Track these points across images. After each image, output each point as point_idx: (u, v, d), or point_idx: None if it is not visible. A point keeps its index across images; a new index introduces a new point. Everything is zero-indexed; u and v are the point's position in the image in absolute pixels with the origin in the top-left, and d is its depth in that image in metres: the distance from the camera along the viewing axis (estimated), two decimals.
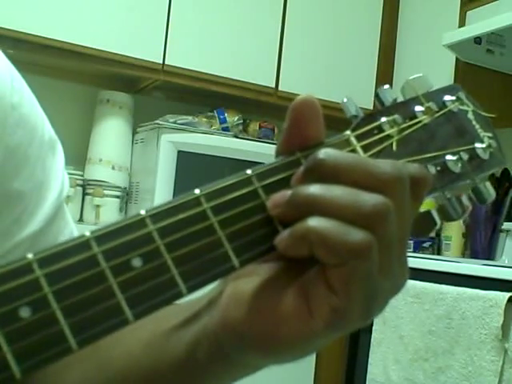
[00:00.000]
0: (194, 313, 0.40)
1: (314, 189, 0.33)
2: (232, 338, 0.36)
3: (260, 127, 2.47)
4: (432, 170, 0.38)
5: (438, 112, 0.40)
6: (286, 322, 0.33)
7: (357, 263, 0.32)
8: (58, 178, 0.56)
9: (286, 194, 0.33)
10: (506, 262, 2.16)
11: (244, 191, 0.34)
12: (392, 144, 0.37)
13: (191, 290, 0.31)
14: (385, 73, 2.60)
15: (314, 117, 0.36)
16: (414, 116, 0.39)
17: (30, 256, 0.29)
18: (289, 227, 0.33)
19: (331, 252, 0.32)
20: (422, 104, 0.39)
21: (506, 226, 2.21)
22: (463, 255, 2.32)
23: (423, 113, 0.39)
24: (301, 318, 0.33)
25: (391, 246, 0.33)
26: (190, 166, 2.18)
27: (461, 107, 0.40)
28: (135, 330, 0.43)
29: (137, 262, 0.31)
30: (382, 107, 0.39)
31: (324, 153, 0.33)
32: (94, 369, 0.46)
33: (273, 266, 0.36)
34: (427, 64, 2.40)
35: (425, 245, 2.34)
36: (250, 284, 0.36)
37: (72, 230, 0.58)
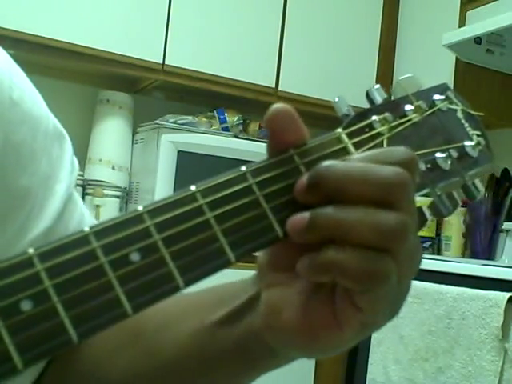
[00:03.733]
0: (236, 308, 0.41)
1: (332, 212, 0.33)
2: (277, 341, 0.38)
3: (260, 127, 2.47)
4: (422, 167, 0.38)
5: (427, 111, 0.41)
6: (319, 334, 0.36)
7: (380, 287, 0.33)
8: (66, 168, 0.55)
9: (305, 217, 0.34)
10: (506, 261, 2.16)
11: (239, 187, 0.35)
12: (382, 141, 0.38)
13: (188, 283, 0.32)
14: (385, 73, 2.60)
15: (289, 124, 0.36)
16: (404, 114, 0.40)
17: (30, 250, 0.30)
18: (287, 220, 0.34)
19: (355, 283, 0.33)
20: (411, 103, 0.40)
21: (506, 226, 2.21)
22: (463, 255, 2.32)
23: (413, 111, 0.40)
24: (332, 331, 0.35)
25: (411, 255, 0.35)
26: (189, 166, 2.18)
27: (450, 106, 0.41)
28: (181, 321, 0.46)
29: (135, 257, 0.31)
30: (372, 106, 0.40)
31: (325, 168, 0.34)
32: (142, 356, 0.47)
33: (299, 278, 0.37)
34: (427, 64, 2.40)
35: (425, 245, 2.34)
36: (283, 296, 0.37)
37: (82, 212, 0.57)
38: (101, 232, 0.31)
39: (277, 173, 0.36)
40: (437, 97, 0.41)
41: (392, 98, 0.40)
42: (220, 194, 0.34)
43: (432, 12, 2.45)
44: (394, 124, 0.39)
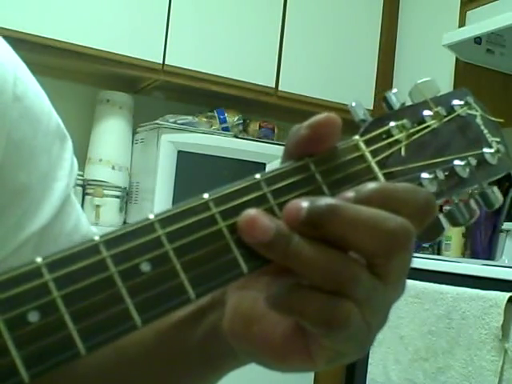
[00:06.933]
0: (198, 307, 0.41)
1: (308, 252, 0.32)
2: (241, 348, 0.37)
3: (260, 127, 2.47)
4: (440, 174, 0.37)
5: (446, 117, 0.39)
6: (288, 358, 0.35)
7: (341, 331, 0.33)
8: (66, 168, 0.55)
9: (291, 237, 0.32)
10: (506, 262, 2.16)
11: (253, 196, 0.33)
12: (400, 149, 0.37)
13: (200, 295, 0.31)
14: (385, 73, 2.60)
15: (334, 136, 0.35)
16: (422, 120, 0.38)
17: (38, 260, 0.29)
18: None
19: (314, 327, 0.33)
20: (430, 108, 0.39)
21: (506, 226, 2.20)
22: (463, 255, 2.32)
23: (432, 117, 0.39)
24: (302, 358, 0.35)
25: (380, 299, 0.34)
26: (189, 166, 2.18)
27: (469, 112, 0.40)
28: None
29: (146, 267, 0.30)
30: (390, 111, 0.39)
31: (330, 211, 0.32)
32: (108, 351, 0.46)
33: (271, 285, 0.35)
34: (427, 64, 2.40)
35: (425, 245, 2.34)
36: (251, 303, 0.36)
37: (79, 214, 0.56)
38: (111, 241, 0.30)
39: (292, 181, 0.34)
40: (456, 102, 0.40)
41: (408, 102, 0.39)
42: (234, 203, 0.33)
43: (432, 12, 2.44)
44: (412, 131, 0.38)
